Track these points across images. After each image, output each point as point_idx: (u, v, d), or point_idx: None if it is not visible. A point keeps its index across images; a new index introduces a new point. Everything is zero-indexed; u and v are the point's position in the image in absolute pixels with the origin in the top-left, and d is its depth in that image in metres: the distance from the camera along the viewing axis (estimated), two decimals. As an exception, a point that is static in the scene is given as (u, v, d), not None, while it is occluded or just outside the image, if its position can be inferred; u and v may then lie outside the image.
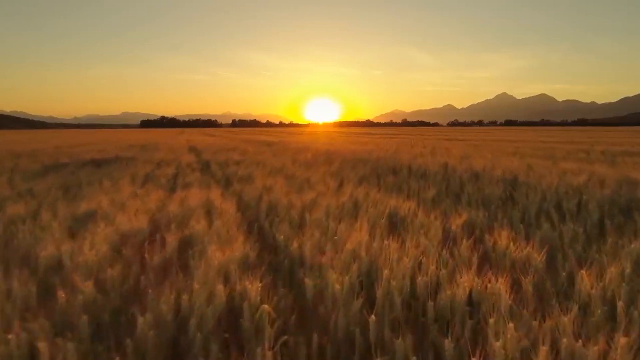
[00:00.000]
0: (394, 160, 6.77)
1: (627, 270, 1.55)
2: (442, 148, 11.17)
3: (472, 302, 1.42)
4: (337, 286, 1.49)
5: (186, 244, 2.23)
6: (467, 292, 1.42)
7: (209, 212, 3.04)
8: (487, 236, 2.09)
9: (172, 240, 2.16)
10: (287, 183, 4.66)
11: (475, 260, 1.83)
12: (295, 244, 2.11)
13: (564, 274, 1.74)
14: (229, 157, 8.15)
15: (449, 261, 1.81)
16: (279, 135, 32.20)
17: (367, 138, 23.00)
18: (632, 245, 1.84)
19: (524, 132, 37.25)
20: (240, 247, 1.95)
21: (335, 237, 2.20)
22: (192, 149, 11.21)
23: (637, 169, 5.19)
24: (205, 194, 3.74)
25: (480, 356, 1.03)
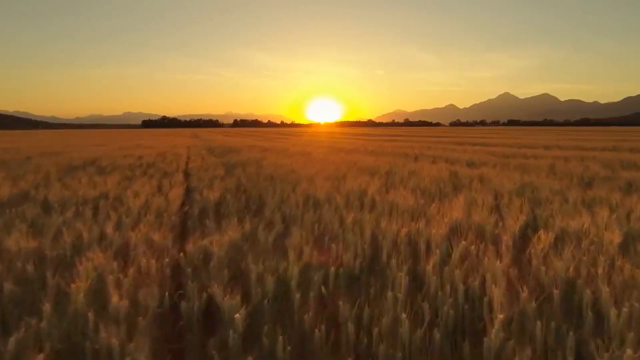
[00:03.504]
0: (383, 206, 3.16)
1: None
2: (460, 160, 7.53)
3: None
4: None
5: None
6: None
7: None
8: None
9: None
10: None
11: None
12: None
13: None
14: (82, 193, 4.53)
15: None
16: (267, 137, 28.58)
17: (363, 141, 19.36)
18: None
19: (536, 134, 33.40)
20: None
21: None
22: (90, 163, 7.60)
23: None
24: None
25: None
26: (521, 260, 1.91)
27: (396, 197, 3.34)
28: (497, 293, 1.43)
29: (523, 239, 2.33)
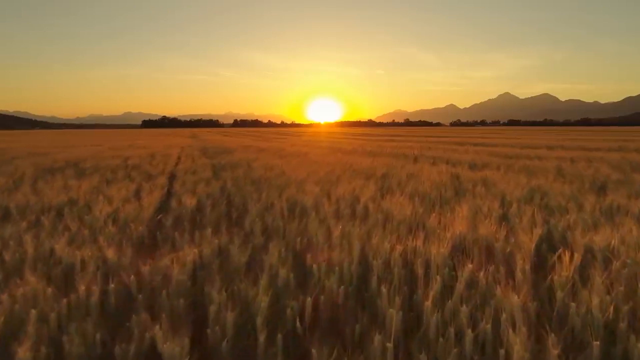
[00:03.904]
0: (377, 216, 2.81)
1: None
2: (461, 162, 7.18)
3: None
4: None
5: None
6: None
7: None
8: None
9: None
10: None
11: None
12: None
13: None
14: None
15: None
16: (265, 137, 28.23)
17: (362, 141, 19.01)
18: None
19: (537, 134, 33.01)
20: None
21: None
22: (73, 164, 7.25)
23: None
24: None
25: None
26: (542, 290, 1.56)
27: (392, 204, 2.99)
28: (517, 344, 1.08)
29: (540, 258, 1.98)
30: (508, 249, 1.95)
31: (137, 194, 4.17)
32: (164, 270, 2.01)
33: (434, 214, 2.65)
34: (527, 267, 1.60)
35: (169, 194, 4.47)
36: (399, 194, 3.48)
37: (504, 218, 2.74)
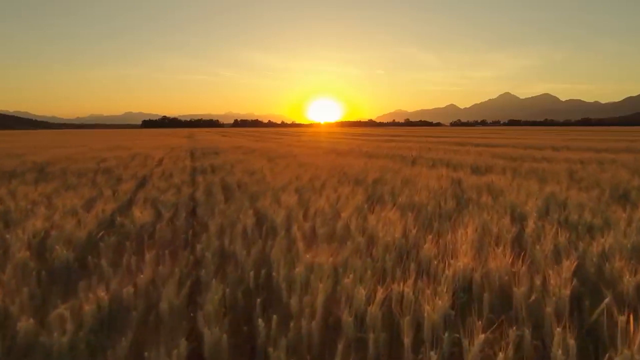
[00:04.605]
0: (358, 240, 2.26)
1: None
2: (463, 165, 6.62)
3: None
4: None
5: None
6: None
7: None
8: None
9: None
10: None
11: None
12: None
13: None
14: None
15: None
16: (263, 137, 27.65)
17: (360, 141, 18.45)
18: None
19: (538, 134, 32.37)
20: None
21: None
22: (40, 167, 6.69)
23: None
24: None
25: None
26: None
27: (380, 220, 2.43)
28: None
29: (578, 309, 1.43)
30: (532, 297, 1.39)
31: (91, 203, 3.62)
32: (60, 322, 1.46)
33: (430, 236, 2.09)
34: (572, 341, 1.04)
35: (129, 203, 3.92)
36: (390, 206, 2.93)
37: (519, 241, 2.19)
